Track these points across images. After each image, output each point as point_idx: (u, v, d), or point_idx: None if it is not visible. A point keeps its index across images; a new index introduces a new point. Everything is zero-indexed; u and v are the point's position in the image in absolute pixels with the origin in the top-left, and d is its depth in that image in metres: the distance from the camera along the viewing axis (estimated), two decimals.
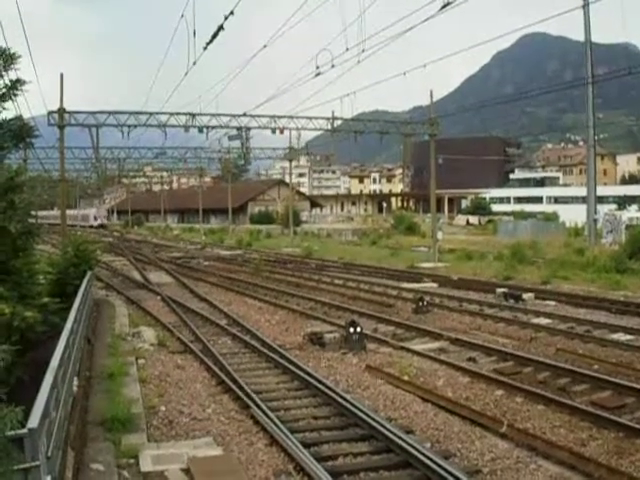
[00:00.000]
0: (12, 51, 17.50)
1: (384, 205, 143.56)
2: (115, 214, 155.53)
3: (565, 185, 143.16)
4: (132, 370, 15.74)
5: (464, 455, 10.78)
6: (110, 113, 41.65)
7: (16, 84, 17.89)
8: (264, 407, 12.84)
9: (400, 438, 10.76)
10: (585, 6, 47.76)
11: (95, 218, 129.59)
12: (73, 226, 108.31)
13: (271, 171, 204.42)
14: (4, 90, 17.60)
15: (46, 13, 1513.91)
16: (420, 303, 25.38)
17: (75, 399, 11.81)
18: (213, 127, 46.02)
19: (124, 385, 14.12)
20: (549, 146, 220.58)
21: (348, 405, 12.69)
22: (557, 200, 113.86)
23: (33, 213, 23.26)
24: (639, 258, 37.16)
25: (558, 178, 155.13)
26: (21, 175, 16.63)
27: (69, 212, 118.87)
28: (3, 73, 17.25)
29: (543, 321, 22.73)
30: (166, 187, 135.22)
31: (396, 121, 58.68)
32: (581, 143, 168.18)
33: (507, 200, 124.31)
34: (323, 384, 14.30)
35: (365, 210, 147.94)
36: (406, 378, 15.38)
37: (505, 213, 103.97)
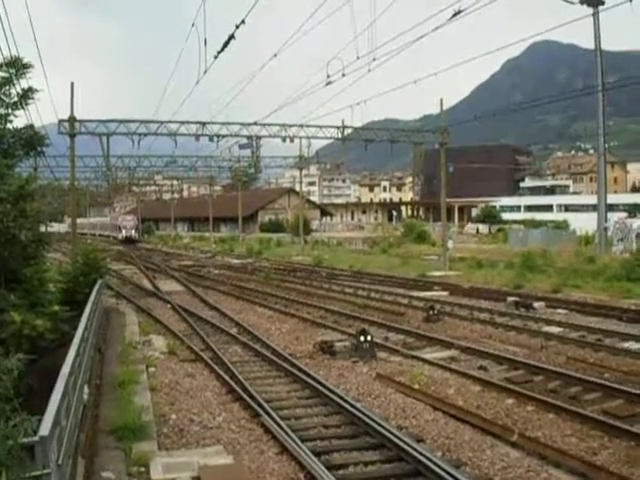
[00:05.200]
0: (24, 60, 17.69)
1: (394, 214, 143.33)
2: None
3: (575, 193, 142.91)
4: (142, 378, 15.72)
5: (475, 464, 10.73)
6: (121, 122, 41.67)
7: (28, 93, 18.05)
8: (275, 415, 12.82)
9: (411, 447, 10.72)
10: (595, 14, 47.69)
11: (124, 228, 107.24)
12: (108, 237, 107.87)
13: (281, 180, 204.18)
14: (16, 99, 17.75)
15: (64, 22, 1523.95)
16: (431, 312, 25.33)
17: (86, 407, 11.83)
18: (223, 136, 46.06)
19: (135, 393, 14.09)
20: (559, 154, 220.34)
21: (359, 414, 12.65)
22: (567, 208, 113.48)
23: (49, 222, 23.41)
24: None
25: (568, 186, 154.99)
26: (32, 183, 16.73)
27: (86, 221, 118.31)
28: (15, 82, 17.41)
29: (554, 329, 22.62)
30: (176, 195, 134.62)
31: (406, 129, 58.60)
32: (591, 151, 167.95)
33: (517, 208, 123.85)
34: (334, 392, 14.28)
35: (375, 219, 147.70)
36: (417, 387, 15.33)
37: (515, 221, 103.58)
